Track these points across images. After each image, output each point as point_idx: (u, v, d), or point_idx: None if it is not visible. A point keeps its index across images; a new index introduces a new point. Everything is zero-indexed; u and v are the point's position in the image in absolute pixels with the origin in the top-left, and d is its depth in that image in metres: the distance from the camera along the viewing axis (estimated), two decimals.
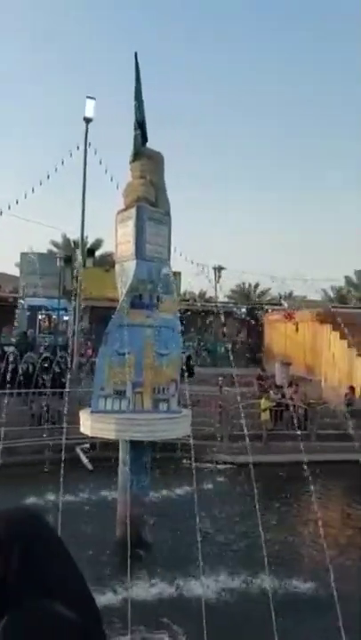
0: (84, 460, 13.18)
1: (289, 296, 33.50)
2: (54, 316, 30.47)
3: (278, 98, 76.02)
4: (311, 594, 7.18)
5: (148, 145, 9.44)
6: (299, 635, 6.25)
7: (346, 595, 6.22)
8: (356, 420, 16.49)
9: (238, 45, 73.80)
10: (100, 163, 17.64)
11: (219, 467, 13.53)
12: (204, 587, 6.92)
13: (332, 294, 46.62)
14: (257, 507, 7.47)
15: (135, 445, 8.54)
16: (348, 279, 48.40)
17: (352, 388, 17.85)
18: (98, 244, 40.74)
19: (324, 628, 6.04)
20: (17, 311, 26.83)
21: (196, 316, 27.82)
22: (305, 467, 8.20)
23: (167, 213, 9.32)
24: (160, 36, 68.88)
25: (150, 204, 9.08)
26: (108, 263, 28.94)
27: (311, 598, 7.05)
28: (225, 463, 13.83)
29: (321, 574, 6.93)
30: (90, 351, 22.47)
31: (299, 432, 13.39)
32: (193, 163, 78.09)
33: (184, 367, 9.52)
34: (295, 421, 15.97)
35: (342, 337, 19.18)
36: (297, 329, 23.52)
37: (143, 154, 9.35)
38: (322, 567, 6.83)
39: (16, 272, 37.35)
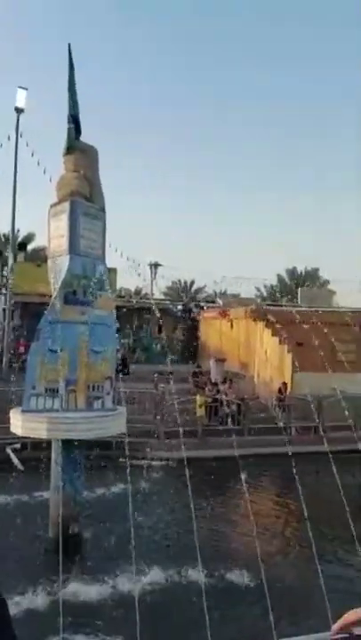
0: (15, 460, 12.84)
1: (224, 294, 34.09)
2: None
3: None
4: (243, 583, 7.36)
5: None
6: (231, 624, 6.39)
7: (276, 582, 6.43)
8: (286, 414, 17.10)
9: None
10: (33, 155, 17.16)
11: (155, 463, 13.57)
12: (137, 583, 6.93)
13: (265, 292, 47.98)
14: (191, 501, 7.56)
15: (68, 445, 8.38)
16: (280, 277, 49.99)
17: (285, 384, 18.44)
18: (29, 238, 39.65)
19: (256, 615, 6.21)
20: None
21: (132, 313, 27.72)
22: (239, 461, 8.38)
23: (102, 209, 9.20)
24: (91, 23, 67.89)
25: (85, 199, 8.93)
26: (40, 258, 28.23)
27: (243, 587, 7.23)
28: (161, 460, 13.88)
29: (252, 564, 7.12)
30: (22, 348, 21.85)
31: (233, 427, 13.70)
32: (132, 157, 77.80)
33: (119, 364, 9.46)
34: (229, 417, 16.33)
35: (274, 334, 19.76)
36: (232, 326, 23.98)
37: (77, 147, 9.18)
38: (253, 557, 7.02)
39: None
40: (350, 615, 2.61)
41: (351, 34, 70.54)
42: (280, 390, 18.27)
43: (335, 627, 2.81)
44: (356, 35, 71.91)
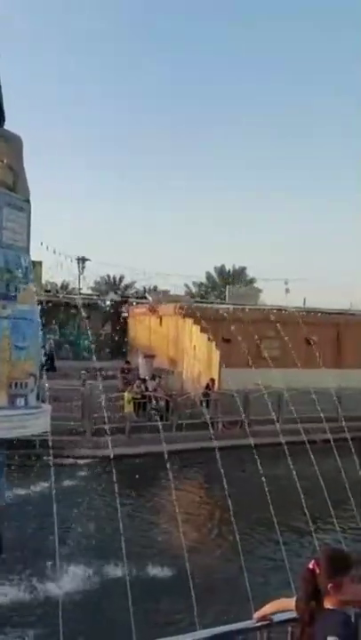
0: None
1: (153, 290, 34.11)
2: None
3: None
4: (168, 576, 7.40)
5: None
6: (155, 617, 6.40)
7: (200, 574, 6.51)
8: (212, 410, 17.40)
9: None
10: None
11: (81, 462, 13.35)
12: (60, 581, 6.78)
13: (194, 289, 48.56)
14: (117, 498, 7.49)
15: None
16: (208, 275, 50.78)
17: (212, 380, 18.73)
18: None
19: (180, 607, 6.25)
20: None
21: (58, 308, 27.06)
22: (166, 457, 8.40)
23: (27, 200, 8.87)
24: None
25: (8, 189, 8.57)
26: None
27: (168, 581, 7.26)
28: (87, 458, 13.68)
29: (178, 557, 7.17)
30: None
31: (160, 423, 13.74)
32: (62, 150, 75.90)
33: (45, 361, 9.18)
34: (157, 413, 16.37)
35: (203, 330, 20.03)
36: (161, 322, 24.03)
37: (1, 136, 8.79)
38: (179, 551, 7.07)
39: None
40: (270, 607, 2.68)
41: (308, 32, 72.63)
42: (207, 386, 18.55)
43: (256, 615, 2.88)
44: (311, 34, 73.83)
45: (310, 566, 2.43)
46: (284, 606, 2.65)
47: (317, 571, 2.41)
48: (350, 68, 74.28)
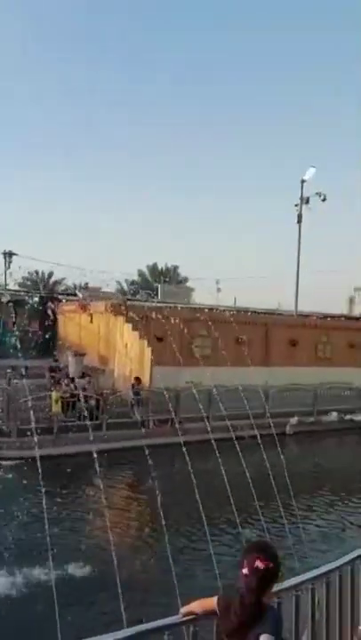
0: None
1: (84, 287, 33.52)
2: None
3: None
4: (94, 576, 7.28)
5: None
6: (82, 617, 6.28)
7: (127, 572, 6.45)
8: (141, 408, 17.35)
9: None
10: None
11: (5, 463, 12.86)
12: None
13: (126, 287, 48.25)
14: (44, 500, 7.29)
15: None
16: (140, 273, 50.67)
17: (137, 379, 18.67)
18: None
19: (107, 606, 6.18)
20: None
21: None
22: (95, 456, 8.26)
23: None
24: None
25: None
26: None
27: (94, 580, 7.15)
28: (13, 459, 13.20)
29: (105, 557, 7.07)
30: None
31: (89, 422, 13.52)
32: None
33: None
34: (87, 412, 16.09)
35: (135, 328, 19.93)
36: (91, 320, 23.66)
37: None
38: (106, 552, 6.98)
39: None
40: (197, 605, 2.67)
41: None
42: (133, 385, 18.46)
43: (182, 610, 2.86)
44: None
45: (262, 563, 2.41)
46: (207, 606, 2.64)
47: (270, 566, 2.42)
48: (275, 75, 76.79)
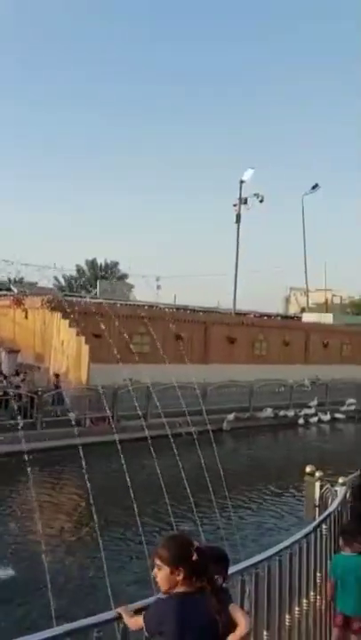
0: None
1: (19, 282, 32.54)
2: None
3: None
4: (26, 578, 7.08)
5: None
6: (12, 617, 6.09)
7: (59, 574, 6.32)
8: (80, 406, 17.08)
9: None
10: None
11: None
12: None
13: (63, 282, 47.26)
14: None
15: None
16: (79, 268, 49.76)
17: (56, 376, 18.35)
18: None
19: (38, 606, 6.03)
20: None
21: None
22: (28, 456, 8.04)
23: None
24: None
25: None
26: None
27: (26, 581, 6.95)
28: None
29: (37, 557, 6.90)
30: None
31: (22, 421, 13.14)
32: None
33: None
34: (21, 410, 15.63)
35: (72, 325, 19.56)
36: (26, 316, 22.99)
37: None
38: (36, 552, 6.82)
39: None
40: (125, 613, 2.58)
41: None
42: (54, 382, 18.12)
43: (119, 610, 2.77)
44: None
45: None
46: (137, 624, 2.51)
47: None
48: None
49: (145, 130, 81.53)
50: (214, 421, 19.32)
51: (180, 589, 2.34)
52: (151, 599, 2.52)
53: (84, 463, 8.16)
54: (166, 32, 73.15)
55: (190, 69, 78.07)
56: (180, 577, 2.33)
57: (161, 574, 2.36)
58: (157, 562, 2.37)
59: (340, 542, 4.34)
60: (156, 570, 2.39)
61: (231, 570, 3.14)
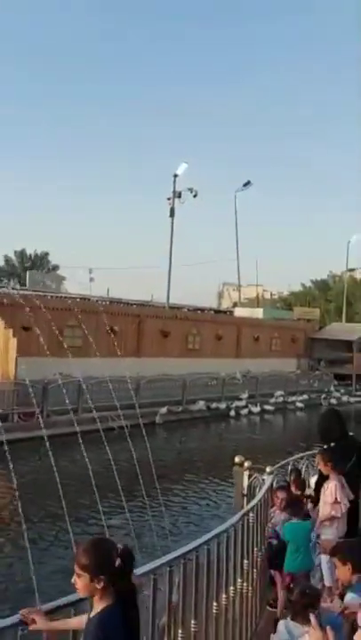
0: None
1: None
2: None
3: None
4: None
5: None
6: None
7: None
8: (7, 401, 16.49)
9: None
10: None
11: None
12: None
13: None
14: None
15: None
16: (7, 258, 47.95)
17: None
18: None
19: None
20: None
21: None
22: None
23: None
24: None
25: None
26: None
27: None
28: None
29: None
30: None
31: None
32: None
33: None
34: None
35: None
36: None
37: None
38: None
39: None
40: (30, 614, 2.44)
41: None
42: None
43: (22, 611, 2.62)
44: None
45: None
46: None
47: None
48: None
49: (80, 119, 79.81)
50: (147, 415, 19.30)
51: (100, 604, 2.21)
52: (70, 598, 2.38)
53: (10, 459, 7.87)
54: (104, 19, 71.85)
55: (127, 59, 77.21)
56: (101, 585, 2.19)
57: (80, 582, 2.20)
58: (77, 569, 2.21)
59: (289, 512, 5.09)
60: (75, 577, 2.23)
61: (159, 561, 3.12)
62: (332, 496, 4.66)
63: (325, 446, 5.24)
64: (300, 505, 5.15)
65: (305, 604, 3.00)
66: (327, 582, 4.71)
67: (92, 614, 2.24)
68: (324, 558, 4.71)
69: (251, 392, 25.17)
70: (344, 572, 3.28)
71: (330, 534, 4.70)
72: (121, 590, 2.24)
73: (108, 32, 74.00)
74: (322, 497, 4.81)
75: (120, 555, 2.23)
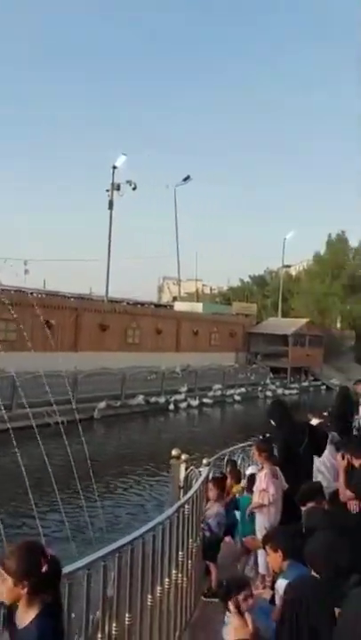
0: None
1: None
2: None
3: None
4: None
5: None
6: None
7: None
8: None
9: None
10: None
11: None
12: None
13: None
14: None
15: None
16: None
17: None
18: None
19: None
20: None
21: None
22: None
23: None
24: None
25: None
26: None
27: None
28: None
29: None
30: None
31: None
32: None
33: None
34: None
35: None
36: None
37: None
38: None
39: None
40: None
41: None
42: None
43: None
44: None
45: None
46: None
47: None
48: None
49: (15, 108, 77.14)
50: (85, 410, 19.06)
51: (28, 612, 2.10)
52: None
53: None
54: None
55: (65, 49, 75.37)
56: (25, 591, 2.08)
57: (4, 586, 2.10)
58: (1, 572, 2.10)
59: (244, 485, 5.71)
60: None
61: (93, 556, 3.08)
62: (261, 484, 4.79)
63: (261, 437, 5.41)
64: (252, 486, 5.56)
65: (226, 592, 3.04)
66: (261, 570, 4.84)
67: (21, 626, 2.15)
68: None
69: (190, 386, 25.42)
70: (275, 558, 3.37)
71: (261, 522, 4.83)
72: (46, 601, 2.16)
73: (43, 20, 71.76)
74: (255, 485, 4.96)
75: (48, 561, 2.13)
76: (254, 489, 4.98)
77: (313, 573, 2.72)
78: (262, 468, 4.98)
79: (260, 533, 4.74)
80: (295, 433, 5.39)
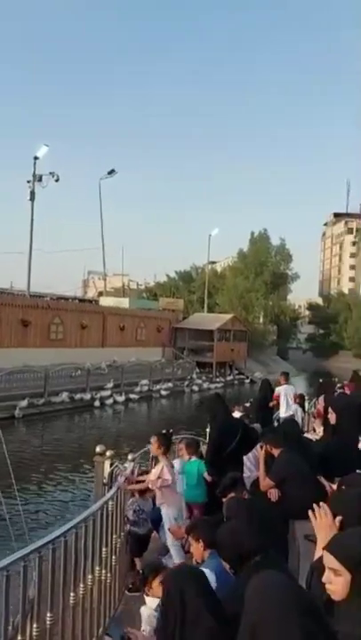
0: None
1: None
2: None
3: None
4: None
5: None
6: None
7: None
8: None
9: None
10: None
11: None
12: None
13: None
14: None
15: None
16: None
17: None
18: None
19: None
20: None
21: None
22: None
23: None
24: None
25: None
26: None
27: None
28: None
29: None
30: None
31: None
32: None
33: None
34: None
35: None
36: None
37: None
38: None
39: None
40: None
41: None
42: None
43: None
44: None
45: None
46: None
47: None
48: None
49: None
50: (5, 408, 18.46)
51: None
52: None
53: None
54: None
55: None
56: None
57: None
58: None
59: (189, 451, 6.06)
60: None
61: (13, 557, 3.01)
62: (155, 475, 5.01)
63: (164, 432, 5.55)
64: (196, 445, 6.25)
65: (144, 578, 3.10)
66: (177, 561, 4.94)
67: None
68: (169, 540, 5.02)
69: (116, 382, 25.27)
70: (197, 548, 3.45)
71: (164, 514, 5.08)
72: None
73: None
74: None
75: None
76: (150, 476, 5.15)
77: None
78: (160, 461, 5.14)
79: (167, 525, 4.99)
80: (230, 428, 5.53)
